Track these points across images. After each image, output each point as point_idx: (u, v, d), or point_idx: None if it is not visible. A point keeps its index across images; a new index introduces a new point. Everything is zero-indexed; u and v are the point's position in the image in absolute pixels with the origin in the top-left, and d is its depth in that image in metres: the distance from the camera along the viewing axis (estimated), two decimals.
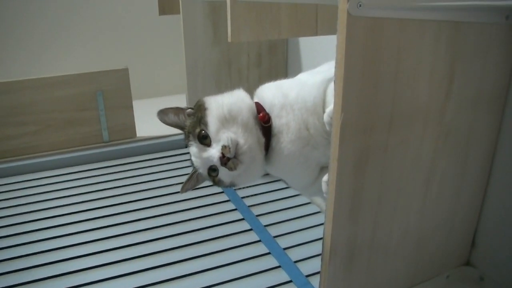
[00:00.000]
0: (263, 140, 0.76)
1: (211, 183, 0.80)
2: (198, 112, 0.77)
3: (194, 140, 0.76)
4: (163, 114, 0.81)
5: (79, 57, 2.10)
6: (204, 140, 0.75)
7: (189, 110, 0.81)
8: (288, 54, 1.54)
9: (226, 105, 0.75)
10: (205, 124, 0.74)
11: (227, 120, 0.73)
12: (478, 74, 0.72)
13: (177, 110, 0.81)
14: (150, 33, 2.20)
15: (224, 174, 0.75)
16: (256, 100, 0.80)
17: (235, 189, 1.28)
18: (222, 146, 0.71)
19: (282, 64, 1.54)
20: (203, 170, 0.77)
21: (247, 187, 1.29)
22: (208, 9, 1.40)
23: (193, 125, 0.77)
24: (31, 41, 2.01)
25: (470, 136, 0.77)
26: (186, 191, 0.84)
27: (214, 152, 0.72)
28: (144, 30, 2.19)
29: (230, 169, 0.72)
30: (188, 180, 0.83)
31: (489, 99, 0.76)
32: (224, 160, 0.71)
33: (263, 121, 0.76)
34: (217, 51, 1.46)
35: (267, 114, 0.76)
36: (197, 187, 0.85)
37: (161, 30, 2.18)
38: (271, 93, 0.78)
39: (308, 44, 1.41)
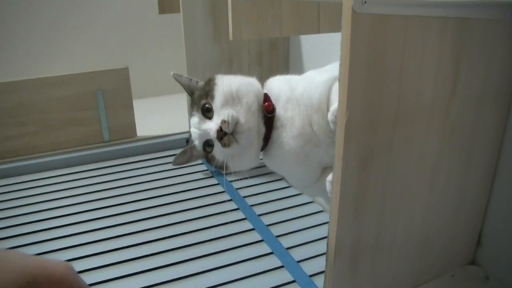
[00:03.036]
0: (263, 129, 0.77)
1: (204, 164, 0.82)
2: (207, 85, 0.79)
3: (197, 111, 0.78)
4: (178, 76, 0.85)
5: (78, 57, 2.09)
6: (207, 113, 0.76)
7: (201, 83, 0.84)
8: (290, 52, 1.53)
9: (236, 84, 0.77)
10: (212, 98, 0.76)
11: (233, 98, 0.75)
12: (484, 71, 0.71)
13: (191, 79, 0.85)
14: (150, 32, 2.19)
15: (218, 150, 0.76)
16: (265, 91, 0.81)
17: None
18: (222, 120, 0.72)
19: (283, 63, 1.53)
20: (199, 143, 0.79)
21: (248, 186, 1.29)
22: (208, 7, 1.39)
23: (200, 97, 0.79)
24: (30, 41, 2.00)
25: (475, 134, 0.77)
26: (178, 164, 0.86)
27: (212, 125, 0.74)
28: (144, 29, 2.18)
29: (224, 145, 0.73)
30: (182, 152, 0.85)
31: (494, 96, 0.75)
32: (221, 134, 0.72)
33: (267, 110, 0.76)
34: (217, 49, 1.45)
35: (273, 104, 0.77)
36: (191, 163, 0.89)
37: (161, 29, 2.17)
38: (279, 85, 0.79)
39: (309, 42, 1.40)
